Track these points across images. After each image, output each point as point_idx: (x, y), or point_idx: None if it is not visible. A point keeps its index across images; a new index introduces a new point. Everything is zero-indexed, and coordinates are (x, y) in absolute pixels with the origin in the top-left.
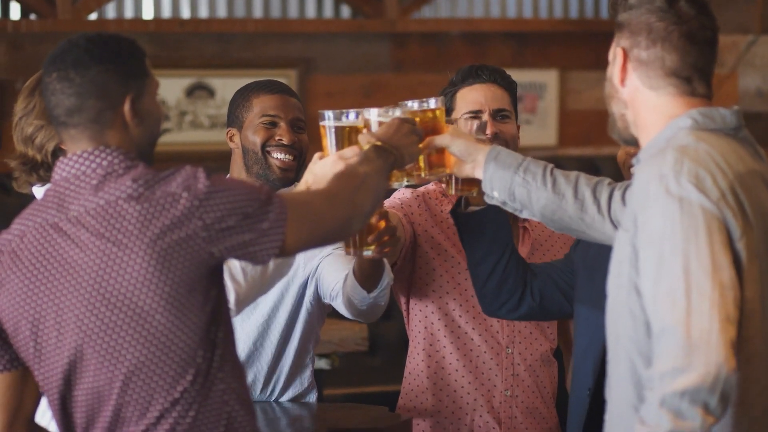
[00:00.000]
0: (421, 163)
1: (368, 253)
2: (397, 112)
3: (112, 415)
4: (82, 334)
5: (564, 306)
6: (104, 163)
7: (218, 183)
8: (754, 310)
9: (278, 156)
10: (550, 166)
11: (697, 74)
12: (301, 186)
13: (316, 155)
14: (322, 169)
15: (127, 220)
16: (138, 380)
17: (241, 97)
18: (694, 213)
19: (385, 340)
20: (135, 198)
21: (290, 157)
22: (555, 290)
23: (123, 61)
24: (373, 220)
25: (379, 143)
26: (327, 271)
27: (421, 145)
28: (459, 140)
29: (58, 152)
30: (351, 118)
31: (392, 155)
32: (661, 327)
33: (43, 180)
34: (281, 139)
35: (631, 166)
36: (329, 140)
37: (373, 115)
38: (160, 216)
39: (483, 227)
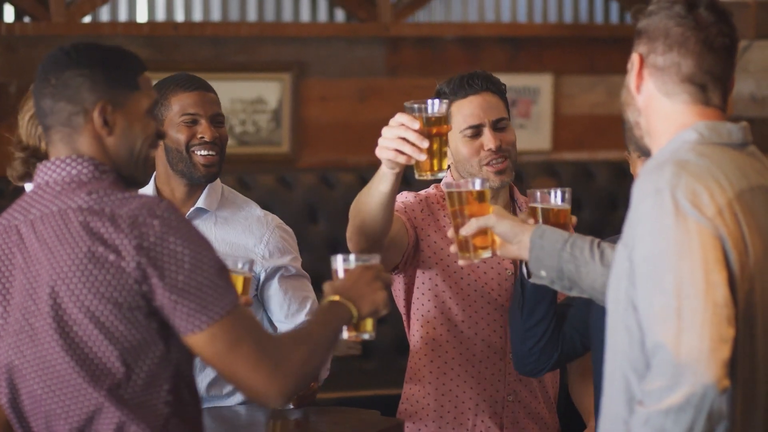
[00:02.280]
0: (464, 244)
1: (288, 406)
2: (364, 259)
3: (44, 421)
4: (17, 338)
5: (582, 345)
6: (73, 171)
7: (179, 231)
8: (744, 329)
9: (202, 153)
10: (597, 240)
11: (713, 82)
12: None
13: None
14: None
15: (68, 230)
16: (57, 389)
17: (159, 95)
18: (689, 229)
19: (379, 344)
20: (82, 210)
21: (213, 153)
22: (573, 332)
23: (103, 69)
24: None
25: (335, 298)
26: (277, 310)
27: (465, 226)
28: (504, 221)
29: None
30: (239, 267)
31: (347, 311)
32: (654, 344)
33: None
34: (203, 137)
35: None
36: None
37: (339, 262)
38: (97, 233)
39: (546, 294)
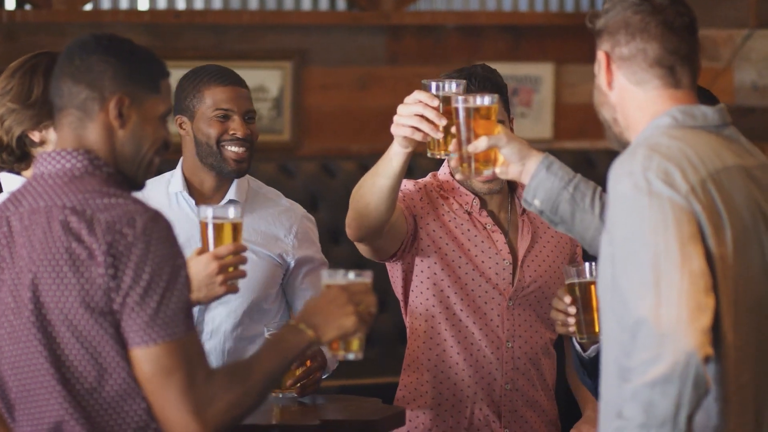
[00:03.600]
0: (466, 158)
1: (291, 395)
2: (350, 276)
3: (17, 423)
4: (1, 335)
5: None
6: (67, 165)
7: (150, 245)
8: (726, 307)
9: (233, 149)
10: (599, 189)
11: (680, 62)
12: None
13: (195, 251)
14: (196, 267)
15: (49, 227)
16: (31, 389)
17: (191, 86)
18: (663, 207)
19: (380, 332)
20: (65, 208)
21: (243, 149)
22: None
23: (129, 63)
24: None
25: (292, 322)
26: (300, 304)
27: (474, 142)
28: (513, 143)
29: (23, 138)
30: (230, 214)
31: (304, 338)
32: (634, 321)
33: (5, 163)
34: (235, 133)
35: None
36: (208, 236)
37: (324, 277)
38: (75, 233)
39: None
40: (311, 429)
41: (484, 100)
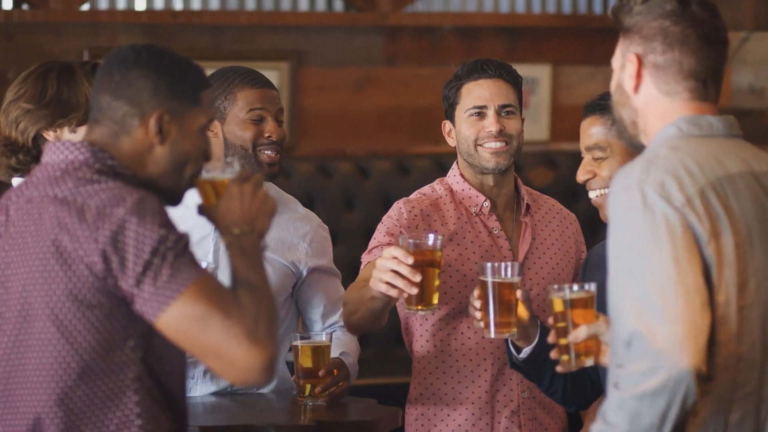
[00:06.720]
0: (565, 349)
1: (319, 402)
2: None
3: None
4: None
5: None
6: (70, 156)
7: (142, 216)
8: (727, 315)
9: (268, 153)
10: None
11: (712, 78)
12: None
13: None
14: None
15: (41, 220)
16: (13, 384)
17: (222, 87)
18: (657, 221)
19: (375, 333)
20: (57, 200)
21: (277, 153)
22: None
23: (169, 76)
24: (321, 372)
25: (236, 231)
26: (312, 310)
27: (574, 332)
28: None
29: (38, 139)
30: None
31: (253, 236)
32: (630, 334)
33: (22, 164)
34: (271, 136)
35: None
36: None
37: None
38: (64, 225)
39: (544, 359)
40: (307, 429)
41: (583, 289)
